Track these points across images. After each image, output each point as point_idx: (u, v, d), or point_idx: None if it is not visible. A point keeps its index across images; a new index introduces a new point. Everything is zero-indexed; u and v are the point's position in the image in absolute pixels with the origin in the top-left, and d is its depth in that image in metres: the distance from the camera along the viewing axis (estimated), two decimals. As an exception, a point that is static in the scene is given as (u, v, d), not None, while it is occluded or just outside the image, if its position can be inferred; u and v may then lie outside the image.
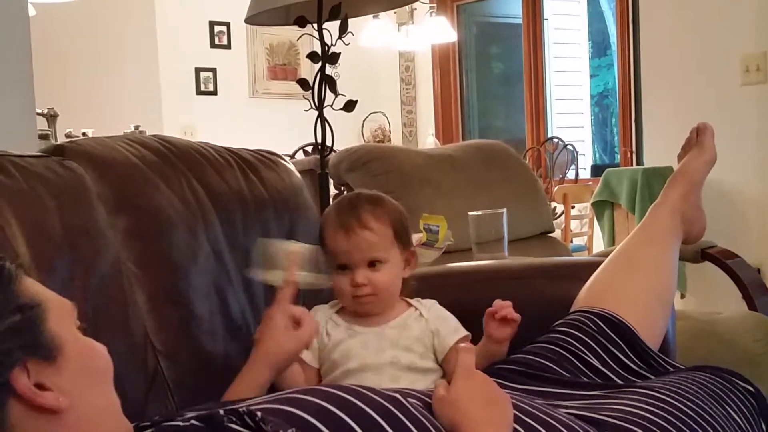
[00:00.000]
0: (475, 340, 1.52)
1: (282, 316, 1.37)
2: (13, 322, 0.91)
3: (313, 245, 1.47)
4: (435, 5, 6.58)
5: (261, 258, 1.41)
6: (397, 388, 1.20)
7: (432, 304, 1.56)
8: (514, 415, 1.16)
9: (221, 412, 0.95)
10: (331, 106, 2.51)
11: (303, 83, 2.56)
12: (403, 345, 1.48)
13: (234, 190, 1.70)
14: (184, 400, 1.36)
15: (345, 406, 1.03)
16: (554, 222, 3.69)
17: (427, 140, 6.78)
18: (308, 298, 1.73)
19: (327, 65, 2.52)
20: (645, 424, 1.24)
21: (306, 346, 1.41)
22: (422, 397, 1.18)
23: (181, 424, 0.96)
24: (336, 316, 1.52)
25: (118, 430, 1.00)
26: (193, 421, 0.95)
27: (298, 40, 2.94)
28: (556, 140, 6.38)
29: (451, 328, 1.52)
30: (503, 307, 1.48)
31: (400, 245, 1.51)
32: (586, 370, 1.47)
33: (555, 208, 5.08)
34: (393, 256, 1.50)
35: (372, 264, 1.48)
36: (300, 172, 1.95)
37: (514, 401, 1.20)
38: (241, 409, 0.95)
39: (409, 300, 1.56)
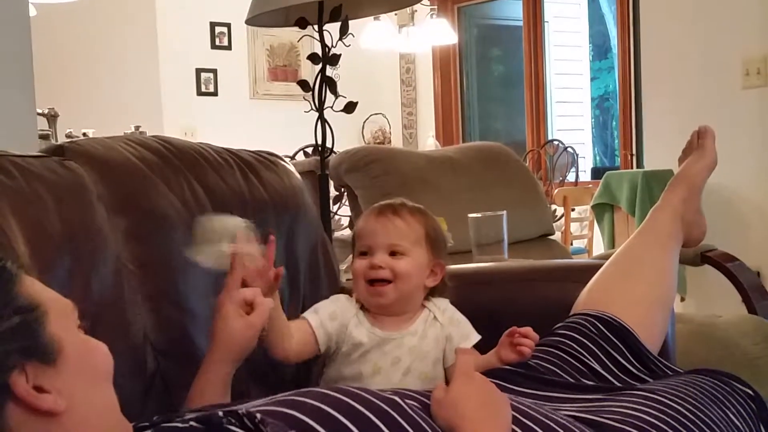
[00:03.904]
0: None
1: (231, 304, 1.31)
2: (12, 325, 0.91)
3: (247, 221, 1.38)
4: (436, 7, 6.58)
5: (199, 236, 1.33)
6: (395, 390, 1.20)
7: (446, 305, 1.56)
8: (513, 416, 1.16)
9: (220, 413, 0.95)
10: (331, 107, 2.51)
11: (303, 85, 2.56)
12: (419, 354, 1.48)
13: (234, 191, 1.70)
14: (183, 400, 1.35)
15: (343, 409, 1.03)
16: (554, 224, 3.69)
17: (428, 142, 6.78)
18: (308, 297, 1.74)
19: (327, 67, 2.51)
20: (645, 426, 1.24)
21: (261, 329, 1.34)
22: (421, 398, 1.18)
23: (180, 425, 0.96)
24: (361, 313, 1.51)
25: (116, 429, 1.00)
26: (192, 423, 0.95)
27: (298, 41, 2.94)
28: (556, 143, 6.38)
29: (463, 334, 1.52)
30: (524, 336, 1.44)
31: (429, 249, 1.51)
32: (587, 373, 1.47)
33: (555, 210, 5.08)
34: (417, 254, 1.49)
35: (393, 253, 1.48)
36: (300, 173, 1.95)
37: (513, 403, 1.20)
38: (240, 411, 0.95)
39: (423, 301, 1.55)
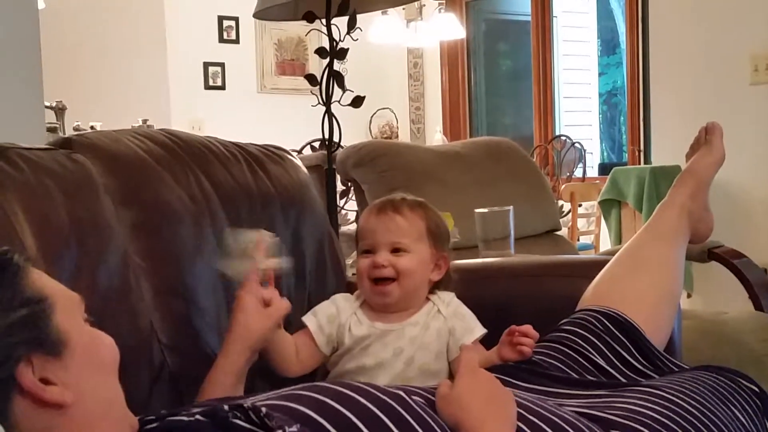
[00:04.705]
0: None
1: (250, 297, 1.35)
2: (19, 317, 0.91)
3: (273, 234, 1.43)
4: (444, 2, 6.57)
5: (226, 249, 1.38)
6: (401, 386, 1.20)
7: (451, 298, 1.55)
8: (518, 412, 1.16)
9: (225, 407, 0.95)
10: (338, 101, 2.51)
11: (311, 79, 2.55)
12: (421, 344, 1.48)
13: (241, 185, 1.70)
14: (189, 394, 1.36)
15: (349, 403, 1.03)
16: (561, 220, 3.68)
17: (435, 137, 6.77)
18: (314, 292, 1.74)
19: (335, 61, 2.51)
20: (650, 423, 1.24)
21: (277, 324, 1.38)
22: (426, 394, 1.18)
23: (185, 419, 0.96)
24: (360, 311, 1.51)
25: (122, 423, 1.00)
26: (197, 416, 0.95)
27: (306, 35, 2.94)
28: (563, 138, 6.36)
29: (466, 328, 1.51)
30: (524, 335, 1.44)
31: (431, 244, 1.51)
32: (592, 369, 1.47)
33: (562, 206, 5.07)
34: (419, 250, 1.49)
35: (396, 250, 1.48)
36: (307, 167, 1.95)
37: (518, 399, 1.20)
38: (245, 405, 0.95)
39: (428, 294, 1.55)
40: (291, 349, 1.46)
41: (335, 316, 1.50)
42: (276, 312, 1.36)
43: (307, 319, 1.51)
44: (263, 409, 0.94)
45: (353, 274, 1.77)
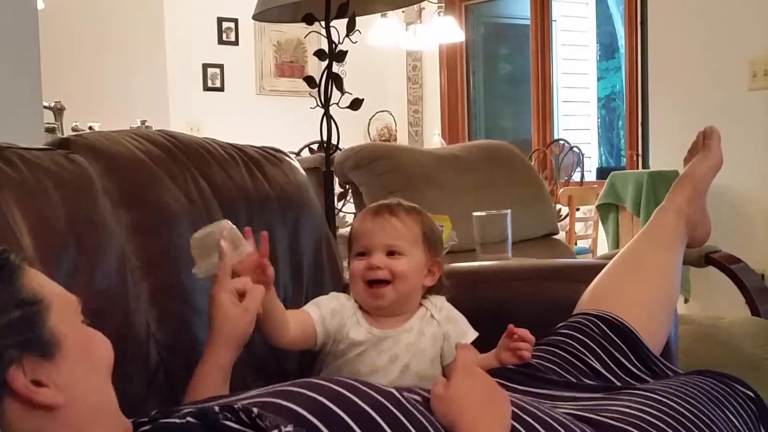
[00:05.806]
0: (477, 340, 1.51)
1: (223, 293, 1.32)
2: (12, 319, 0.91)
3: (228, 221, 1.38)
4: (443, 5, 6.58)
5: (193, 253, 1.35)
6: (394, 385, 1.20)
7: (442, 302, 1.55)
8: (513, 413, 1.16)
9: (216, 408, 0.95)
10: (337, 104, 2.51)
11: (310, 81, 2.55)
12: (417, 351, 1.47)
13: (239, 187, 1.70)
14: (185, 394, 1.35)
15: (341, 402, 1.03)
16: (559, 224, 3.69)
17: (433, 140, 6.78)
18: (311, 293, 1.74)
19: (334, 63, 2.51)
20: (644, 426, 1.25)
21: (255, 314, 1.34)
22: (420, 392, 1.18)
23: (177, 421, 0.95)
24: (359, 313, 1.50)
25: (115, 426, 1.00)
26: (188, 418, 0.95)
27: (305, 37, 2.94)
28: (562, 142, 6.37)
29: (460, 332, 1.51)
30: (522, 339, 1.43)
31: (426, 249, 1.50)
32: (588, 373, 1.47)
33: (560, 210, 5.07)
34: (415, 254, 1.49)
35: (391, 253, 1.47)
36: (305, 169, 1.95)
37: (513, 399, 1.20)
38: (236, 406, 0.95)
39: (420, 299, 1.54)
40: (284, 322, 1.42)
41: (338, 311, 1.49)
42: (251, 303, 1.33)
43: (310, 308, 1.49)
44: (255, 410, 0.94)
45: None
